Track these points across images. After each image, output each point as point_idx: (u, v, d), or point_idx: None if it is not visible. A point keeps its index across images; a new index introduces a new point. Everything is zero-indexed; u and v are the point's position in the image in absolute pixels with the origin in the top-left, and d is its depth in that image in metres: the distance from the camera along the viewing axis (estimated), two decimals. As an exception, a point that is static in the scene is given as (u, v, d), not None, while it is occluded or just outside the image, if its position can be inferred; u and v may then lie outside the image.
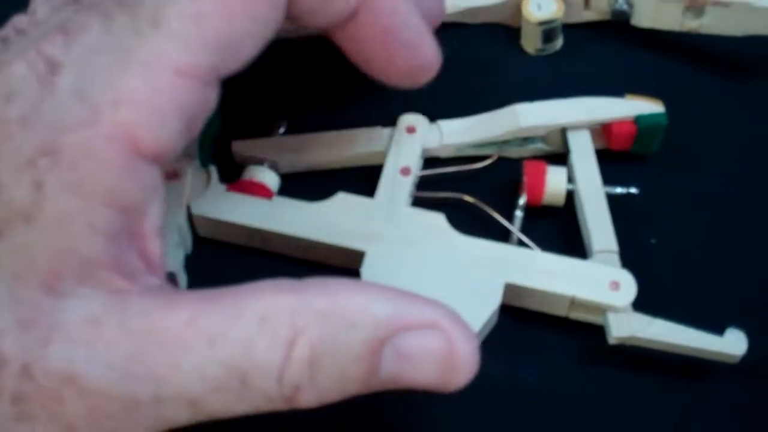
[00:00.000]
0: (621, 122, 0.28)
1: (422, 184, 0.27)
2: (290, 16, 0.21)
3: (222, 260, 0.27)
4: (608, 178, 0.27)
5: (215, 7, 0.19)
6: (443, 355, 0.19)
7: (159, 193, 0.19)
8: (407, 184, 0.26)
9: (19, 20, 0.21)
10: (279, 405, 0.19)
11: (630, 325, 0.24)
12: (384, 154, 0.27)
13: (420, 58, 0.23)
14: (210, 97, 0.19)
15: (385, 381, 0.19)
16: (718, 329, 0.24)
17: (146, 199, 0.19)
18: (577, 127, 0.28)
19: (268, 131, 0.28)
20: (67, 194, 0.18)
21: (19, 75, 0.18)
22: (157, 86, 0.18)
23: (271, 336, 0.18)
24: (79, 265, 0.18)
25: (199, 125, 0.19)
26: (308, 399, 0.19)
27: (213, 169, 0.27)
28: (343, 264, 0.26)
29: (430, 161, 0.28)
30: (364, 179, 0.27)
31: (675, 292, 0.26)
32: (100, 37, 0.19)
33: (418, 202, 0.27)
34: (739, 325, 0.24)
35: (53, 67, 0.18)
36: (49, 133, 0.18)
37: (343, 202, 0.26)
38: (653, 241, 0.27)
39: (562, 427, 0.24)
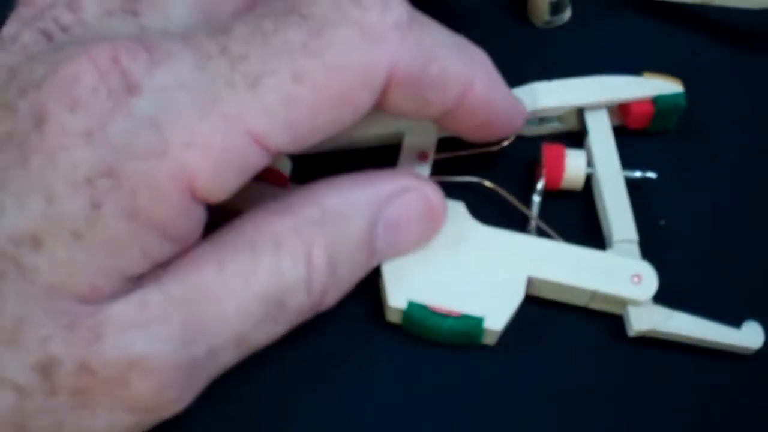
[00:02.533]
0: (639, 102, 0.27)
1: (437, 165, 0.27)
2: (384, 112, 0.21)
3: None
4: (622, 154, 0.27)
5: (310, 95, 0.18)
6: (422, 209, 0.23)
7: (203, 224, 0.19)
8: (425, 170, 0.26)
9: (62, 15, 0.20)
10: (307, 315, 0.21)
11: (650, 319, 0.24)
12: (398, 135, 0.27)
13: (511, 129, 0.24)
14: (266, 165, 0.19)
15: (383, 254, 0.23)
16: (732, 314, 0.24)
17: (194, 232, 0.19)
18: (595, 107, 0.27)
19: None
20: (125, 219, 0.17)
21: (86, 83, 0.17)
22: (230, 143, 0.18)
23: (289, 256, 0.20)
24: (121, 282, 0.18)
25: (248, 179, 0.19)
26: (332, 298, 0.21)
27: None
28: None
29: (444, 141, 0.27)
30: (379, 163, 0.27)
31: (687, 274, 0.26)
32: (190, 73, 0.18)
33: (435, 185, 0.26)
34: (754, 310, 0.24)
35: (131, 87, 0.17)
36: (114, 155, 0.17)
37: (361, 190, 0.25)
38: (662, 222, 0.27)
39: (581, 412, 0.24)
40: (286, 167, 0.26)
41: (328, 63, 0.19)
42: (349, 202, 0.21)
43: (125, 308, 0.18)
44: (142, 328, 0.18)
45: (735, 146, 0.29)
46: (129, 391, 0.18)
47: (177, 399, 0.19)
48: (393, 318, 0.25)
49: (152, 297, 0.18)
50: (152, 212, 0.18)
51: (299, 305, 0.20)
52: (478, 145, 0.27)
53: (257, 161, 0.19)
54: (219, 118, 0.18)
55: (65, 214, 0.17)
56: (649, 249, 0.25)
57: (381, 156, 0.27)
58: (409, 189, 0.22)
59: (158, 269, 0.19)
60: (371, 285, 0.25)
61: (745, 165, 0.28)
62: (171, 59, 0.18)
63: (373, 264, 0.23)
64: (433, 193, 0.23)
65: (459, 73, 0.21)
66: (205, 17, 0.21)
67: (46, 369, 0.18)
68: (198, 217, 0.19)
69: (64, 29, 0.20)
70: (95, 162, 0.17)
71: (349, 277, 0.22)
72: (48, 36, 0.20)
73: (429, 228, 0.23)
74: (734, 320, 0.24)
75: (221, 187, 0.18)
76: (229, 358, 0.20)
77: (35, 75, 0.18)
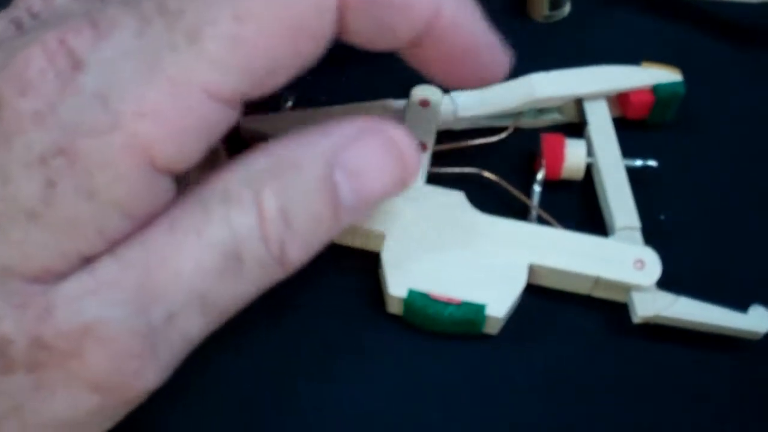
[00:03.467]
0: (639, 91, 0.27)
1: (436, 157, 0.27)
2: (343, 41, 0.20)
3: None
4: (622, 147, 0.26)
5: (257, 34, 0.18)
6: (386, 149, 0.20)
7: (169, 198, 0.19)
8: (424, 161, 0.26)
9: (34, 3, 0.20)
10: (276, 271, 0.20)
11: (655, 304, 0.24)
12: (397, 128, 0.27)
13: (490, 70, 0.22)
14: (233, 118, 0.18)
15: (352, 206, 0.20)
16: (735, 303, 0.24)
17: (158, 208, 0.18)
18: (594, 97, 0.27)
19: (275, 106, 0.27)
20: (81, 199, 0.17)
21: (36, 67, 0.17)
22: (182, 104, 0.17)
23: (239, 205, 0.19)
24: (77, 262, 0.18)
25: (217, 141, 0.19)
26: (295, 253, 0.20)
27: (221, 146, 0.26)
28: (361, 245, 0.25)
29: (443, 133, 0.27)
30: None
31: (689, 264, 0.26)
32: (132, 41, 0.17)
33: (434, 177, 0.26)
34: (758, 297, 0.24)
35: (76, 64, 0.17)
36: (66, 133, 0.17)
37: (360, 181, 0.25)
38: (662, 217, 0.27)
39: (582, 403, 0.24)
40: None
41: None
42: (301, 149, 0.20)
43: (76, 279, 0.18)
44: (93, 295, 0.18)
45: (734, 138, 0.29)
46: (84, 362, 0.18)
47: (137, 372, 0.18)
48: (394, 309, 0.24)
49: (103, 264, 0.18)
50: (110, 189, 0.17)
51: (258, 258, 0.19)
52: (477, 135, 0.27)
53: (218, 117, 0.18)
54: (166, 81, 0.17)
55: (20, 195, 0.17)
56: (651, 239, 0.25)
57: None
58: (368, 130, 0.20)
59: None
60: (371, 278, 0.25)
61: (743, 156, 0.28)
62: (114, 30, 0.18)
63: (343, 218, 0.20)
64: (397, 133, 0.20)
65: None
66: None
67: (1, 347, 0.17)
68: (163, 189, 0.18)
69: (33, 16, 0.20)
70: (48, 142, 0.17)
71: (310, 228, 0.20)
72: (18, 24, 0.20)
73: (398, 172, 0.21)
74: (740, 307, 0.24)
75: (183, 152, 0.18)
76: (194, 323, 0.19)
77: None
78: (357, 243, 0.25)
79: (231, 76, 0.18)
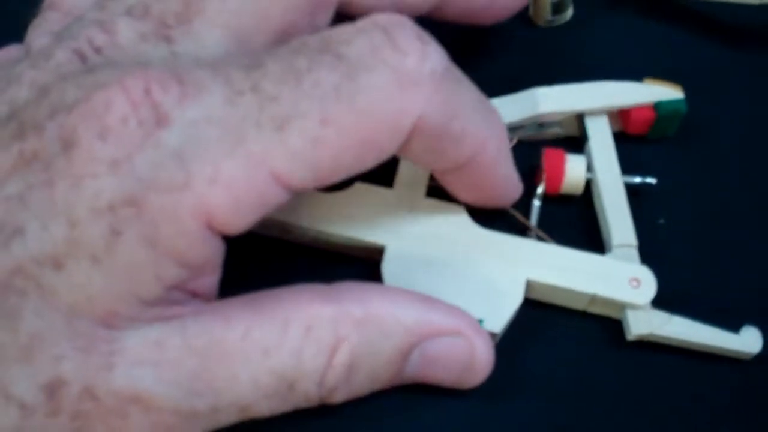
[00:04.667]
0: (640, 108, 0.27)
1: (438, 169, 0.27)
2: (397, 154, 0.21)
3: (236, 249, 0.26)
4: (622, 160, 0.27)
5: (336, 139, 0.18)
6: (465, 358, 0.22)
7: (220, 252, 0.19)
8: (425, 174, 0.26)
9: (96, 36, 0.20)
10: (313, 403, 0.21)
11: (649, 323, 0.24)
12: (400, 139, 0.27)
13: (506, 198, 0.24)
14: (285, 202, 0.19)
15: (408, 379, 0.22)
16: (730, 319, 0.24)
17: (210, 261, 0.19)
18: (595, 112, 0.27)
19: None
20: (143, 247, 0.18)
21: (118, 112, 0.18)
22: (252, 182, 0.18)
23: (316, 344, 0.20)
24: (137, 307, 0.18)
25: (267, 215, 0.19)
26: (339, 397, 0.21)
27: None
28: (362, 256, 0.25)
29: (445, 145, 0.28)
30: (379, 167, 0.27)
31: (686, 278, 0.26)
32: (220, 108, 0.18)
33: (435, 191, 0.26)
34: (752, 315, 0.24)
35: (160, 119, 0.18)
36: (139, 186, 0.17)
37: (362, 192, 0.25)
38: (661, 221, 0.27)
39: (579, 415, 0.24)
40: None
41: (357, 108, 0.18)
42: (396, 315, 0.21)
43: (142, 342, 0.18)
44: (153, 367, 0.18)
45: (735, 150, 0.29)
46: (126, 424, 0.18)
47: None
48: (392, 320, 0.25)
49: (171, 339, 0.19)
50: (171, 242, 0.18)
51: (307, 392, 0.20)
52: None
53: (277, 199, 0.19)
54: (244, 157, 0.18)
55: (86, 238, 0.17)
56: (648, 254, 0.25)
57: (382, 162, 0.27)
58: (462, 334, 0.22)
59: (186, 311, 0.19)
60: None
61: (745, 169, 0.28)
62: (202, 93, 0.18)
63: (397, 383, 0.22)
64: (483, 347, 0.22)
65: (477, 131, 0.21)
66: (238, 46, 0.21)
67: (54, 389, 0.18)
68: (216, 246, 0.19)
69: (97, 51, 0.20)
70: (119, 191, 0.17)
71: (364, 386, 0.21)
72: (81, 57, 0.20)
73: (464, 378, 0.23)
74: (732, 325, 0.24)
75: (239, 222, 0.19)
76: (229, 419, 0.20)
77: (67, 97, 0.18)
78: (357, 254, 0.25)
79: (301, 170, 0.19)
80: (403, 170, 0.26)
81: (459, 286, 0.24)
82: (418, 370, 0.22)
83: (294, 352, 0.19)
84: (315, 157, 0.19)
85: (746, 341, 0.24)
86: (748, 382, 0.25)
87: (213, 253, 0.19)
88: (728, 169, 0.28)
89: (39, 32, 0.22)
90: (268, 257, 0.26)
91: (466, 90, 0.21)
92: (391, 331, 0.21)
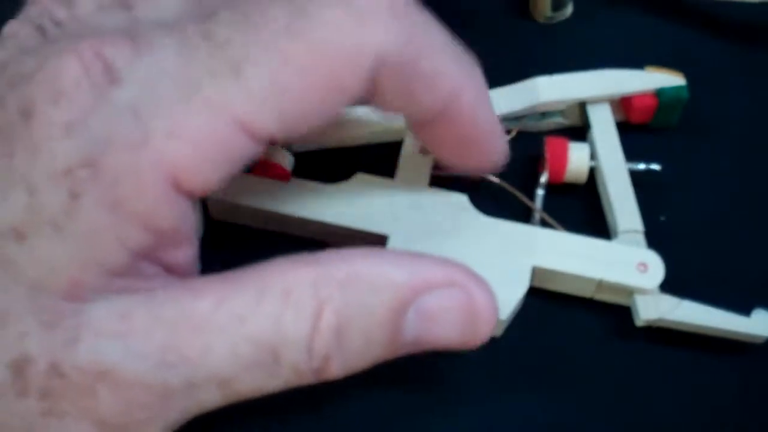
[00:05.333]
0: (642, 96, 0.27)
1: (440, 160, 0.27)
2: (368, 104, 0.20)
3: (236, 242, 0.26)
4: (625, 151, 0.26)
5: (296, 79, 0.18)
6: (465, 309, 0.20)
7: (190, 218, 0.19)
8: (427, 164, 0.26)
9: (56, 10, 0.20)
10: (308, 378, 0.19)
11: (658, 308, 0.24)
12: (401, 131, 0.27)
13: (490, 156, 0.23)
14: (256, 154, 0.19)
15: (409, 344, 0.20)
16: (737, 305, 0.24)
17: (180, 225, 0.18)
18: (597, 100, 0.27)
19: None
20: (104, 210, 0.17)
21: (70, 76, 0.17)
22: (214, 132, 0.17)
23: (296, 308, 0.18)
24: (102, 276, 0.18)
25: (237, 172, 0.19)
26: (336, 369, 0.19)
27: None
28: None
29: (447, 137, 0.27)
30: (381, 157, 0.27)
31: (693, 267, 0.26)
32: (172, 61, 0.17)
33: (437, 180, 0.26)
34: (761, 302, 0.24)
35: (112, 77, 0.17)
36: (95, 146, 0.17)
37: (363, 183, 0.25)
38: (662, 218, 0.27)
39: (583, 405, 0.24)
40: (288, 163, 0.26)
41: (312, 45, 0.18)
42: (384, 273, 0.19)
43: (107, 314, 0.18)
44: (119, 339, 0.18)
45: (737, 140, 0.28)
46: (96, 402, 0.18)
47: (145, 421, 0.18)
48: (397, 311, 0.24)
49: (137, 310, 0.18)
50: (133, 203, 0.17)
51: (296, 363, 0.19)
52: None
53: (244, 150, 0.18)
54: (201, 106, 0.17)
55: (45, 206, 0.17)
56: (654, 242, 0.25)
57: (383, 152, 0.27)
58: (453, 284, 0.20)
59: (156, 283, 0.19)
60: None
61: (747, 158, 0.28)
62: (154, 48, 0.18)
63: (398, 350, 0.20)
64: (482, 295, 0.20)
65: (451, 75, 0.20)
66: (198, 7, 0.20)
67: (19, 366, 0.17)
68: (183, 208, 0.18)
69: (57, 24, 0.20)
70: (75, 153, 0.17)
71: (361, 352, 0.19)
72: (41, 31, 0.20)
73: (469, 331, 0.20)
74: (741, 312, 0.24)
75: (206, 178, 0.18)
76: (210, 397, 0.19)
77: (24, 69, 0.18)
78: (360, 245, 0.25)
79: (265, 114, 0.18)
80: (405, 160, 0.26)
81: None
82: (417, 331, 0.20)
83: (272, 317, 0.18)
84: (276, 99, 0.18)
85: (758, 324, 0.24)
86: (753, 374, 0.24)
87: (181, 217, 0.18)
88: (730, 159, 0.28)
89: (14, 22, 0.22)
90: (269, 251, 0.26)
91: (434, 29, 0.20)
92: (379, 288, 0.19)
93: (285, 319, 0.18)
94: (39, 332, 0.17)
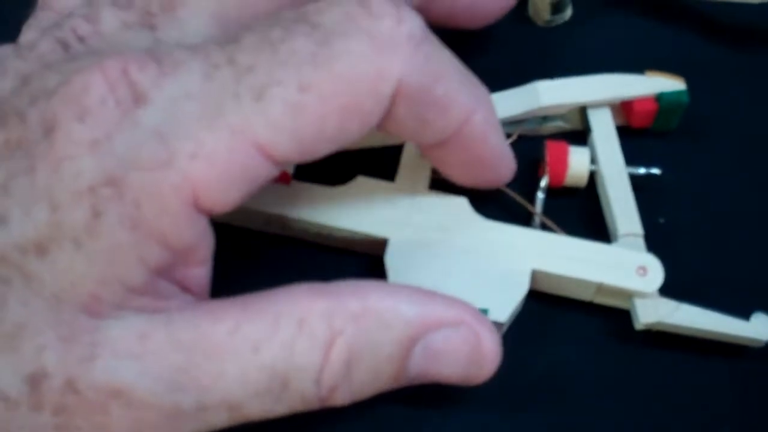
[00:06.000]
0: (642, 100, 0.27)
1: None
2: (380, 130, 0.20)
3: (237, 245, 0.26)
4: (625, 154, 0.27)
5: (316, 106, 0.18)
6: (470, 350, 0.21)
7: (208, 236, 0.19)
8: (428, 167, 0.26)
9: (80, 26, 0.20)
10: (313, 405, 0.20)
11: (657, 311, 0.24)
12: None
13: (499, 175, 0.24)
14: (272, 176, 0.19)
15: (414, 377, 0.21)
16: (736, 309, 0.24)
17: (198, 243, 0.19)
18: (598, 105, 0.27)
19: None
20: (126, 228, 0.17)
21: (96, 94, 0.17)
22: (235, 154, 0.18)
23: (310, 338, 0.19)
24: (121, 293, 0.18)
25: (254, 192, 0.19)
26: (341, 398, 0.20)
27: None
28: (365, 250, 0.25)
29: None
30: (381, 160, 0.27)
31: (692, 270, 0.26)
32: (197, 84, 0.18)
33: (437, 183, 0.26)
34: (760, 306, 0.24)
35: (138, 97, 0.18)
36: (119, 165, 0.17)
37: (364, 186, 0.25)
38: (662, 220, 0.27)
39: (582, 410, 0.24)
40: (289, 165, 0.26)
41: (335, 73, 0.18)
42: (396, 308, 0.20)
43: (125, 333, 0.18)
44: (135, 360, 0.18)
45: (737, 142, 0.28)
46: (108, 420, 0.18)
47: None
48: (397, 313, 0.24)
49: (155, 332, 0.18)
50: (154, 222, 0.18)
51: (304, 391, 0.19)
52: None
53: (263, 172, 0.19)
54: (224, 130, 0.18)
55: (67, 222, 0.17)
56: (654, 245, 0.25)
57: (385, 155, 0.27)
58: (461, 324, 0.21)
59: (174, 304, 0.19)
60: (376, 276, 0.25)
61: (747, 161, 0.28)
62: (179, 70, 0.18)
63: (402, 383, 0.21)
64: (488, 336, 0.21)
65: (463, 100, 0.21)
66: (222, 31, 0.21)
67: (36, 381, 0.17)
68: (201, 227, 0.19)
69: (80, 40, 0.20)
70: (99, 171, 0.17)
71: (367, 384, 0.20)
72: (65, 46, 0.20)
73: (472, 372, 0.21)
74: (740, 315, 0.24)
75: (225, 198, 0.18)
76: (219, 420, 0.19)
77: (48, 84, 0.18)
78: (360, 248, 0.25)
79: (284, 139, 0.18)
80: (406, 163, 0.26)
81: (463, 276, 0.24)
82: (422, 366, 0.21)
83: (285, 346, 0.19)
84: (296, 125, 0.18)
85: (757, 328, 0.24)
86: (752, 377, 0.24)
87: (199, 236, 0.19)
88: (730, 162, 0.28)
89: (29, 29, 0.22)
90: (270, 254, 0.26)
91: (446, 57, 0.20)
92: (390, 324, 0.20)
93: (297, 349, 0.19)
94: (57, 347, 0.17)
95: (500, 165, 0.23)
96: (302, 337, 0.19)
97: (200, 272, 0.20)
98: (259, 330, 0.18)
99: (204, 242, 0.19)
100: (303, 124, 0.18)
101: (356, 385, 0.20)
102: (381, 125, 0.20)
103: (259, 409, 0.19)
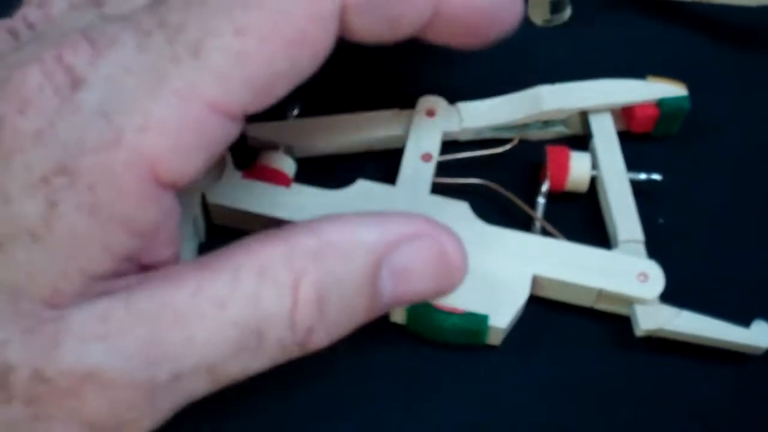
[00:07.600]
0: (644, 106, 0.27)
1: (441, 168, 0.27)
2: (350, 41, 0.19)
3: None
4: (626, 158, 0.26)
5: (259, 48, 0.17)
6: (436, 260, 0.20)
7: (174, 213, 0.19)
8: (429, 171, 0.26)
9: (30, 12, 0.20)
10: (294, 352, 0.19)
11: (657, 318, 0.24)
12: (403, 138, 0.27)
13: (502, 26, 0.22)
14: (235, 132, 0.18)
15: (388, 302, 0.20)
16: (737, 316, 0.24)
17: (161, 222, 0.18)
18: (599, 110, 0.27)
19: (280, 114, 0.27)
20: (83, 216, 0.17)
21: (33, 84, 0.17)
22: (186, 118, 0.17)
23: (274, 285, 0.18)
24: (84, 283, 0.18)
25: (219, 155, 0.18)
26: (320, 339, 0.19)
27: (228, 155, 0.26)
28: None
29: (448, 144, 0.27)
30: (383, 164, 0.27)
31: (693, 276, 0.25)
32: (133, 56, 0.17)
33: (438, 187, 0.26)
34: (760, 313, 0.24)
35: (75, 82, 0.17)
36: (67, 152, 0.17)
37: (364, 189, 0.25)
38: (661, 221, 0.27)
39: (584, 415, 0.24)
40: (289, 168, 0.26)
41: (268, 9, 0.17)
42: (353, 238, 0.19)
43: (87, 317, 0.17)
44: (101, 341, 0.17)
45: (738, 147, 0.29)
46: (82, 404, 0.17)
47: (135, 420, 0.18)
48: (397, 317, 0.24)
49: (116, 309, 0.18)
50: (113, 206, 0.17)
51: (281, 339, 0.19)
52: (482, 146, 0.27)
53: (222, 131, 0.18)
54: (170, 95, 0.17)
55: (22, 215, 0.17)
56: (655, 251, 0.25)
57: (385, 159, 0.27)
58: (422, 234, 0.20)
59: (133, 280, 0.18)
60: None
61: (748, 167, 0.28)
62: (114, 46, 0.17)
63: (377, 311, 0.20)
64: (450, 241, 0.20)
65: None
66: None
67: (2, 375, 0.17)
68: (167, 205, 0.18)
69: (30, 26, 0.20)
70: (48, 161, 0.17)
71: (342, 319, 0.20)
72: (14, 35, 0.19)
73: (443, 280, 0.21)
74: (740, 322, 0.24)
75: (186, 167, 0.18)
76: (200, 386, 0.19)
77: None
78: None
79: (234, 89, 0.17)
80: (407, 167, 0.26)
81: (464, 282, 0.23)
82: (393, 288, 0.20)
83: (251, 297, 0.18)
84: (244, 72, 0.17)
85: (757, 335, 0.23)
86: (752, 385, 0.24)
87: (165, 212, 0.18)
88: (731, 167, 0.28)
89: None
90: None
91: None
92: (351, 253, 0.19)
93: (264, 297, 0.18)
94: (20, 339, 0.17)
95: (499, 16, 0.21)
96: (266, 285, 0.18)
97: (167, 254, 0.19)
98: (221, 287, 0.18)
99: (171, 219, 0.19)
100: (250, 69, 0.17)
101: (332, 323, 0.19)
102: (348, 39, 0.19)
103: (239, 367, 0.19)
